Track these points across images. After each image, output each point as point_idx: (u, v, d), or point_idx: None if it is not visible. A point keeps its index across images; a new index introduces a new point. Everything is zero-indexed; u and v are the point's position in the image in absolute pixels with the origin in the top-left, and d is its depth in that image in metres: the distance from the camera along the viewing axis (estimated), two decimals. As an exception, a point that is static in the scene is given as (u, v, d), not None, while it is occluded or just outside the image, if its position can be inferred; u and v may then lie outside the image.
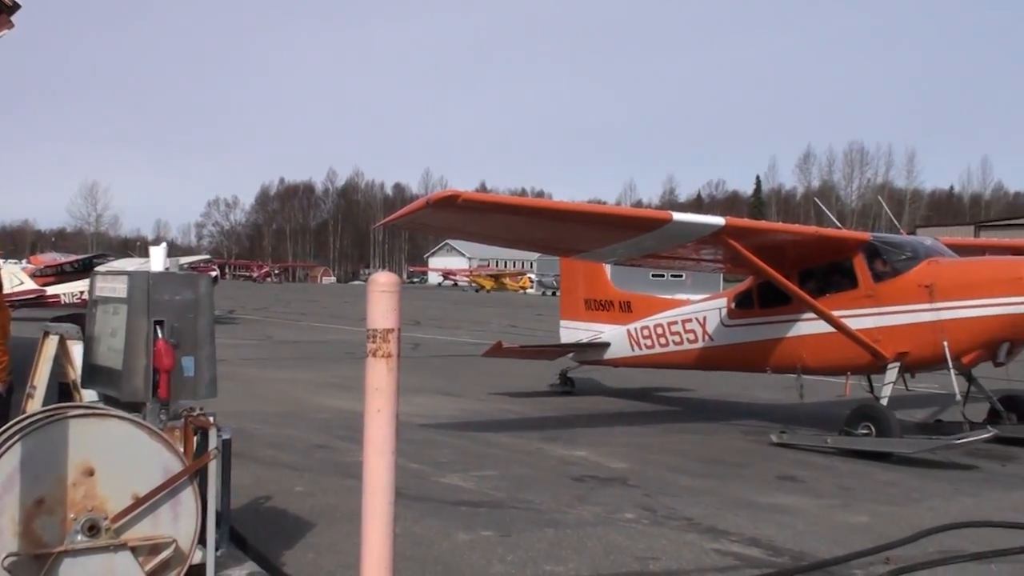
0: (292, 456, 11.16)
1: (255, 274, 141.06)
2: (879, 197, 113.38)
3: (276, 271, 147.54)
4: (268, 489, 9.28)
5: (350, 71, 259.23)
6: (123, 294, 5.99)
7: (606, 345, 17.48)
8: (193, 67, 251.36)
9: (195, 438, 5.83)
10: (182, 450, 5.70)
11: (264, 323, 39.55)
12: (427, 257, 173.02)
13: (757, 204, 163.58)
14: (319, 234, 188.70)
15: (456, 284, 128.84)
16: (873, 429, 12.05)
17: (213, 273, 41.85)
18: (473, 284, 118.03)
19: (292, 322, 41.03)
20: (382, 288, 4.35)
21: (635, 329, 16.83)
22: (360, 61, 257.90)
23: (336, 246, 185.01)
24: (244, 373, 19.89)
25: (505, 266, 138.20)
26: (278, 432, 12.80)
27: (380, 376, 4.33)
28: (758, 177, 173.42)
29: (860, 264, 13.28)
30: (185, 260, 40.62)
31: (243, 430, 12.55)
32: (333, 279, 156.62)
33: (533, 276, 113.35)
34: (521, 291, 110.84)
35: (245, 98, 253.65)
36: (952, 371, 12.15)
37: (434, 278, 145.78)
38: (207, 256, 67.65)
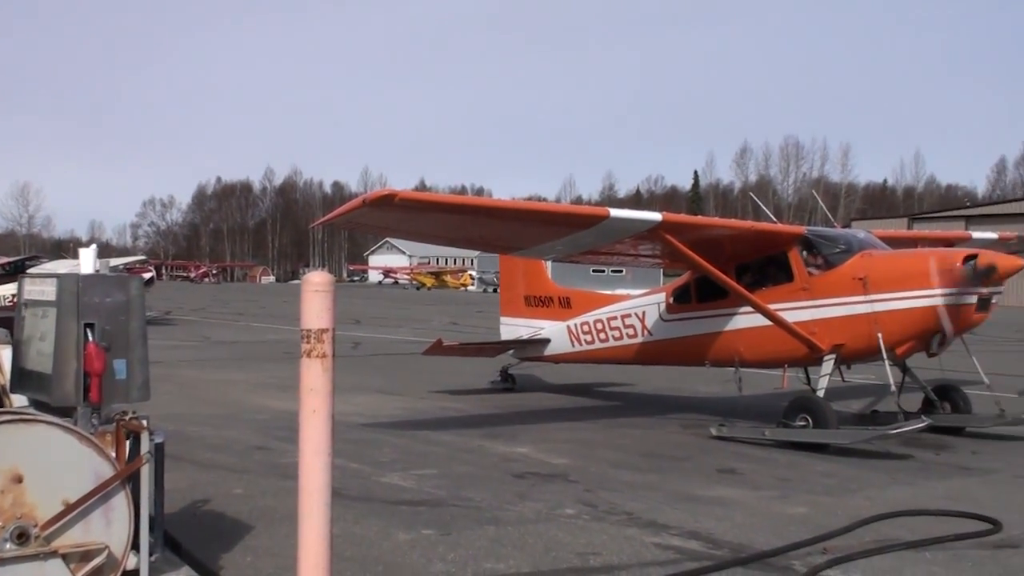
0: (230, 458, 11.03)
1: (193, 274, 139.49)
2: (813, 191, 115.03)
3: (214, 271, 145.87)
4: (206, 492, 9.15)
5: (286, 67, 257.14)
6: (52, 297, 5.87)
7: (546, 341, 17.51)
8: (126, 65, 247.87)
9: (127, 442, 5.73)
10: (114, 455, 5.60)
11: (202, 324, 39.08)
12: (367, 255, 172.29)
13: (695, 199, 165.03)
14: (257, 233, 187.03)
15: (397, 282, 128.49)
16: (810, 421, 12.19)
17: (149, 274, 41.41)
18: (414, 282, 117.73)
19: (230, 322, 40.60)
20: (316, 288, 4.31)
21: (575, 325, 16.88)
22: (297, 57, 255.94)
23: (275, 245, 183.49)
24: (181, 375, 19.63)
25: (446, 263, 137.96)
26: (216, 434, 12.65)
27: (315, 376, 4.30)
28: (696, 172, 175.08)
29: (795, 258, 13.44)
30: (119, 261, 40.05)
31: (180, 432, 12.40)
32: (272, 278, 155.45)
33: (474, 273, 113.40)
34: (462, 288, 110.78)
35: (180, 96, 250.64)
36: (887, 362, 12.33)
37: (374, 276, 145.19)
38: (143, 257, 66.65)
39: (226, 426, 13.32)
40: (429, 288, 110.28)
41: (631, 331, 15.72)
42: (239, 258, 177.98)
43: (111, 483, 5.42)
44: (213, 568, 6.43)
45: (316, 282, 4.33)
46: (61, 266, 30.51)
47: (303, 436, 4.32)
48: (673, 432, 13.63)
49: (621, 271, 79.96)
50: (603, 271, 79.84)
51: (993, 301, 12.41)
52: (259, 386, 18.05)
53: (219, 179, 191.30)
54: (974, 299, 12.08)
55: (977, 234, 17.23)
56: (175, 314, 43.96)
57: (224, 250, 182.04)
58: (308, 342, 4.30)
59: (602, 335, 16.28)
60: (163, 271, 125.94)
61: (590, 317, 16.62)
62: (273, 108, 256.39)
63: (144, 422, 5.71)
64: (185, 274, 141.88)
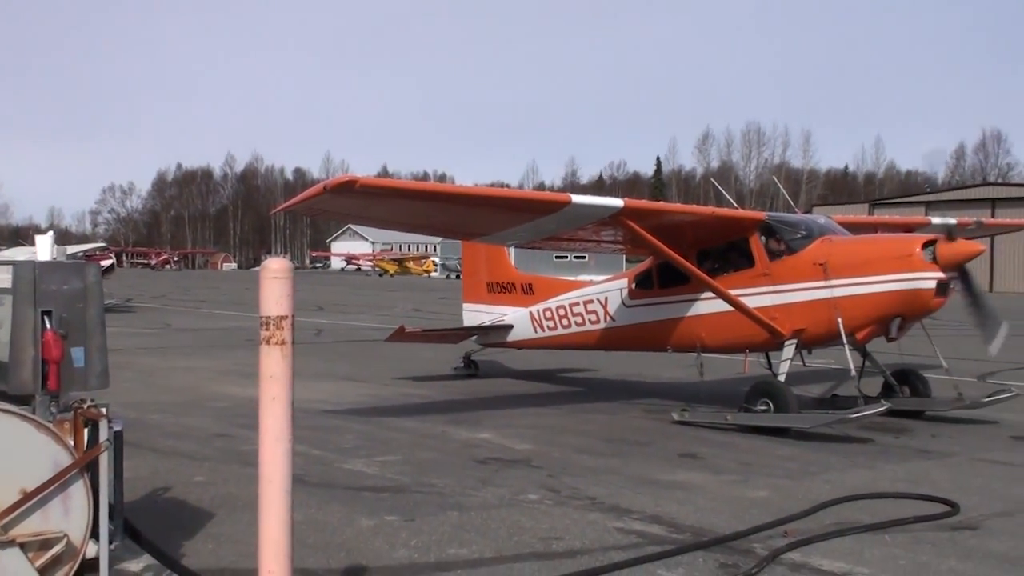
0: (191, 446, 10.95)
1: (153, 261, 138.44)
2: (774, 177, 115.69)
3: (175, 258, 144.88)
4: (167, 480, 9.10)
5: (246, 52, 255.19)
6: (8, 284, 5.79)
7: (509, 328, 17.51)
8: (84, 50, 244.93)
9: (86, 430, 5.67)
10: (72, 443, 5.54)
11: (163, 311, 38.78)
12: (330, 242, 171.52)
13: (658, 185, 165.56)
14: (219, 220, 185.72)
15: (359, 269, 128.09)
16: (771, 405, 12.28)
17: (109, 261, 40.97)
18: (376, 269, 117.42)
19: (191, 310, 40.32)
20: (274, 274, 4.28)
21: (538, 311, 16.89)
22: (256, 41, 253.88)
23: (236, 232, 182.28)
24: (142, 362, 19.49)
25: (409, 250, 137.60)
26: (177, 422, 12.57)
27: (274, 363, 4.27)
28: (659, 158, 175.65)
29: (756, 243, 13.51)
30: (78, 248, 39.62)
31: (141, 420, 12.32)
32: (234, 265, 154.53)
33: (437, 260, 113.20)
34: (425, 275, 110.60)
35: (138, 82, 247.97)
36: (847, 347, 12.43)
37: (337, 263, 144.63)
38: (102, 244, 65.99)
39: (187, 414, 13.23)
40: (392, 275, 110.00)
41: (593, 317, 15.76)
42: (200, 245, 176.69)
43: (69, 471, 5.37)
44: (174, 556, 6.38)
45: (275, 269, 4.30)
46: (19, 253, 30.11)
47: (263, 424, 4.29)
48: (636, 417, 13.68)
49: (584, 257, 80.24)
50: (566, 257, 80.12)
51: (951, 286, 12.53)
52: (221, 373, 17.94)
53: (179, 165, 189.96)
54: (933, 284, 12.18)
55: (936, 220, 17.39)
56: (136, 301, 43.60)
57: (185, 237, 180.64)
58: (267, 329, 4.27)
59: (564, 321, 16.31)
60: (123, 258, 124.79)
61: (552, 303, 16.64)
62: (234, 94, 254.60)
63: (103, 410, 5.65)
64: (146, 261, 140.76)
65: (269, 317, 4.26)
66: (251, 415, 4.78)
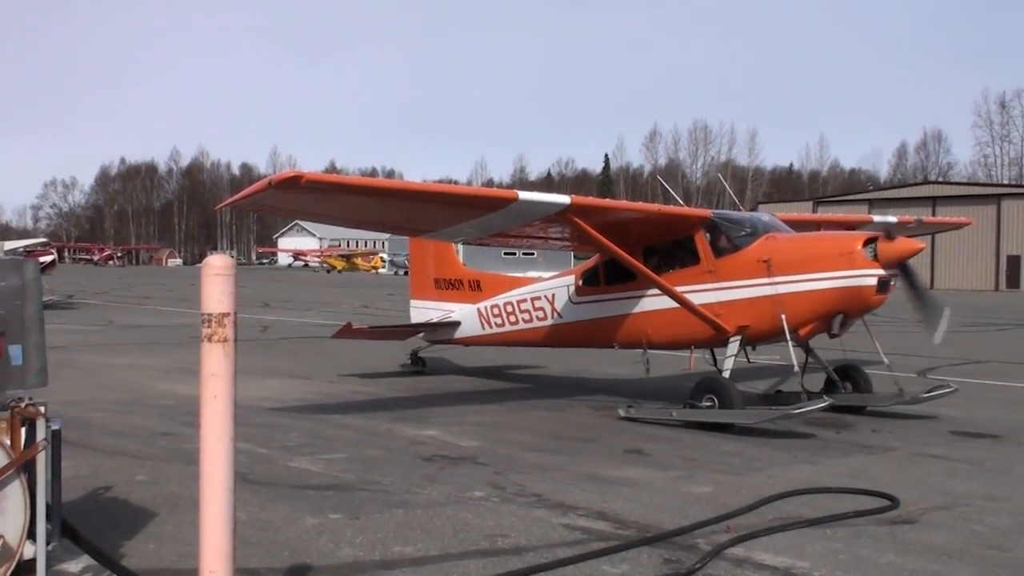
0: (134, 444, 10.82)
1: (96, 257, 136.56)
2: (719, 175, 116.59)
3: (119, 254, 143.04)
4: (108, 479, 8.98)
5: (192, 44, 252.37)
6: (-57, 281, 5.68)
7: (457, 324, 17.49)
8: (25, 41, 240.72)
9: (23, 429, 5.57)
10: (8, 442, 5.45)
11: (106, 308, 38.25)
12: (277, 238, 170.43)
13: (606, 182, 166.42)
14: (163, 215, 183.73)
15: (307, 265, 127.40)
16: (716, 401, 12.36)
17: (50, 257, 40.34)
18: (324, 265, 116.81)
19: (136, 306, 39.81)
20: (216, 271, 4.24)
21: (485, 308, 16.89)
22: (203, 34, 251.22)
23: (182, 227, 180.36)
24: (84, 360, 19.23)
25: (357, 246, 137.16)
26: (119, 420, 12.41)
27: (216, 361, 4.23)
28: (607, 155, 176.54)
29: (701, 240, 13.60)
30: (18, 244, 38.99)
31: (82, 419, 12.15)
32: (179, 261, 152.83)
33: (385, 256, 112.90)
34: (373, 271, 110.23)
35: (81, 75, 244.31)
36: (790, 343, 12.57)
37: (284, 259, 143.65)
38: (43, 239, 64.95)
39: (130, 412, 13.07)
40: (340, 271, 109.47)
41: (541, 314, 15.79)
42: (145, 240, 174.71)
43: (5, 471, 5.28)
44: (114, 556, 6.29)
45: (217, 266, 4.25)
46: (-43, 249, 29.57)
47: (204, 422, 4.25)
48: (582, 414, 13.73)
49: (533, 254, 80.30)
50: (514, 253, 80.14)
51: (892, 283, 12.71)
52: (165, 371, 17.74)
53: (123, 160, 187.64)
54: (874, 281, 12.34)
55: (878, 217, 17.63)
56: (78, 298, 42.97)
57: (129, 232, 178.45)
58: (209, 326, 4.22)
59: (512, 318, 16.32)
60: (65, 254, 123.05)
61: (500, 300, 16.65)
62: (179, 88, 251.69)
63: (41, 409, 5.56)
64: (89, 257, 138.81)
65: (211, 314, 4.22)
66: (195, 413, 4.72)
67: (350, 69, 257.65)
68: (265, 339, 24.86)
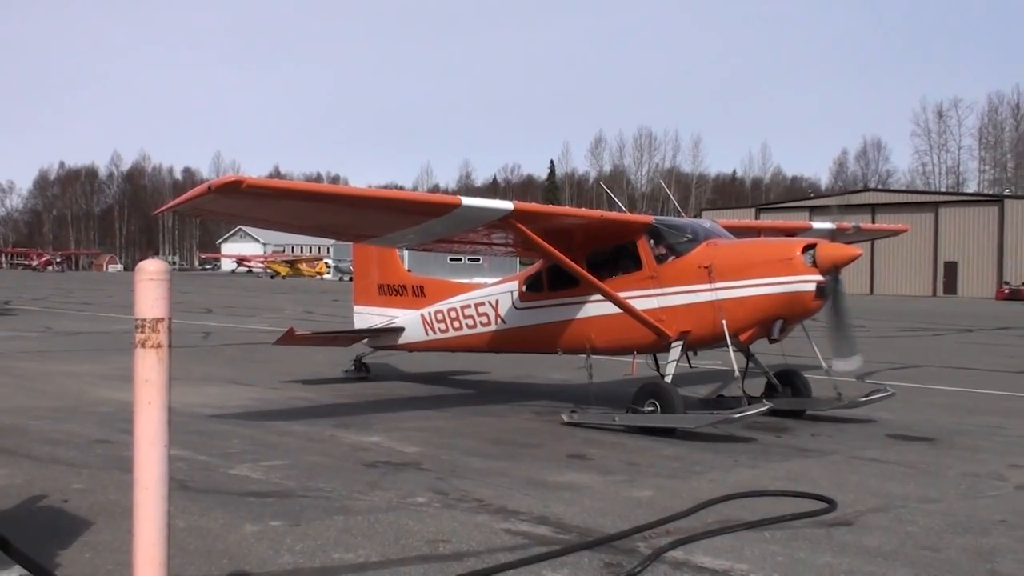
0: (70, 452, 10.65)
1: (35, 263, 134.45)
2: (661, 181, 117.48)
3: (58, 259, 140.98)
4: (44, 488, 8.83)
5: (134, 47, 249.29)
6: None
7: (400, 330, 17.45)
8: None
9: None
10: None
11: (44, 314, 37.66)
12: (220, 243, 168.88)
13: (551, 188, 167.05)
14: (104, 220, 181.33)
15: (251, 271, 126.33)
16: (658, 406, 12.43)
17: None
18: (268, 270, 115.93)
19: (75, 312, 39.23)
20: (150, 276, 4.19)
21: (429, 313, 16.86)
22: (145, 36, 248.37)
23: (122, 232, 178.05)
24: (21, 367, 18.93)
25: (301, 251, 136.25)
26: (56, 428, 12.21)
27: (150, 368, 4.18)
28: (552, 161, 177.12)
29: (643, 246, 13.68)
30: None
31: (18, 426, 11.97)
32: (120, 267, 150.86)
33: (330, 261, 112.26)
34: (318, 277, 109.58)
35: (19, 77, 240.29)
36: (731, 348, 12.68)
37: (227, 265, 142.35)
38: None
39: (67, 419, 12.87)
40: (284, 276, 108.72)
41: (485, 319, 15.80)
42: (85, 246, 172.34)
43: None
44: (48, 567, 6.19)
45: (150, 270, 4.21)
46: None
47: (138, 429, 4.20)
48: (526, 419, 13.75)
49: (478, 259, 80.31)
50: (460, 259, 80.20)
51: (839, 288, 12.87)
52: (103, 378, 17.50)
53: (62, 164, 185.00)
54: (813, 287, 12.50)
55: (817, 224, 17.87)
56: (15, 304, 42.31)
57: (68, 237, 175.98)
58: (142, 332, 4.17)
59: (456, 323, 16.31)
60: (3, 259, 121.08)
61: (444, 305, 16.63)
62: (120, 90, 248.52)
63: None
64: (27, 262, 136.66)
65: (144, 320, 4.17)
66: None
67: (296, 74, 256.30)
68: (207, 345, 24.61)
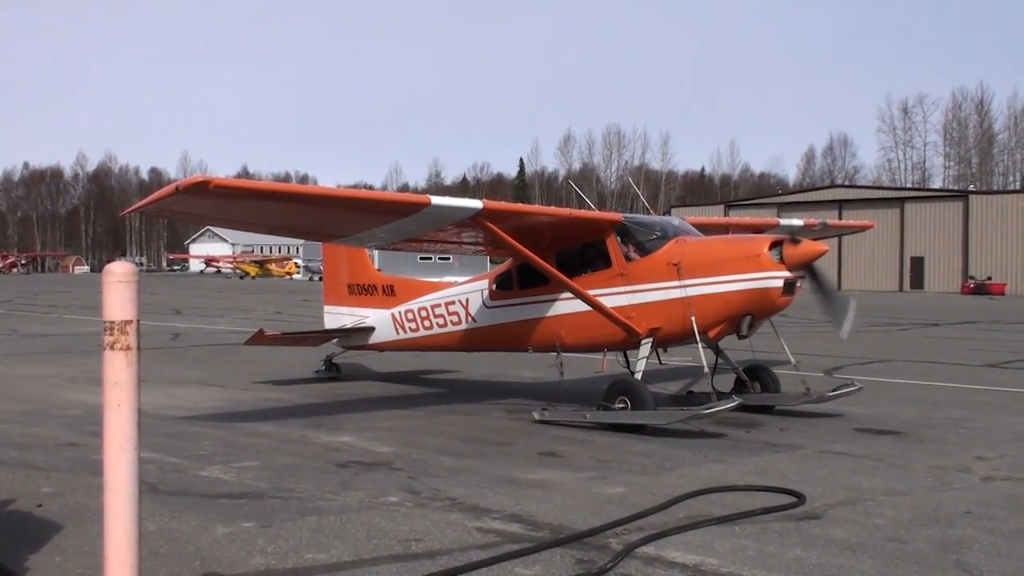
0: (39, 456, 10.58)
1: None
2: (629, 178, 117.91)
3: (23, 261, 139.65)
4: (12, 491, 8.77)
5: (99, 46, 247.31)
6: None
7: (371, 330, 17.42)
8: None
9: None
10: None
11: (9, 316, 37.29)
12: (188, 244, 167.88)
13: (521, 186, 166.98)
14: (70, 221, 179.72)
15: (219, 271, 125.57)
16: (629, 403, 12.47)
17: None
18: (237, 271, 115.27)
19: (41, 314, 38.87)
20: (118, 278, 4.18)
21: (399, 313, 16.84)
22: (110, 35, 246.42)
23: (89, 234, 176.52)
24: (-14, 371, 18.73)
25: (270, 251, 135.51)
26: (23, 431, 12.12)
27: (119, 370, 4.17)
28: (522, 160, 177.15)
29: (612, 244, 13.73)
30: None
31: (-17, 431, 11.85)
32: (86, 268, 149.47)
33: (299, 261, 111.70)
34: (287, 277, 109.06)
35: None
36: (700, 345, 12.76)
37: (196, 265, 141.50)
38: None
39: (35, 423, 12.78)
40: (253, 277, 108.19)
41: (455, 318, 15.80)
42: (50, 247, 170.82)
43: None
44: (16, 570, 6.16)
45: (118, 272, 4.20)
46: None
47: (107, 431, 4.18)
48: (497, 418, 13.77)
49: (448, 258, 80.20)
50: (430, 258, 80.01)
51: (798, 285, 12.98)
52: (71, 380, 17.37)
53: (26, 164, 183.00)
54: (780, 283, 12.59)
55: (784, 221, 18.00)
56: (-20, 307, 41.83)
57: (34, 239, 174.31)
58: (111, 334, 4.16)
59: (426, 323, 16.30)
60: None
61: (414, 305, 16.62)
62: (85, 89, 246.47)
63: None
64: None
65: (113, 322, 4.16)
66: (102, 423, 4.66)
67: (263, 73, 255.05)
68: (176, 347, 24.47)
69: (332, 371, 18.31)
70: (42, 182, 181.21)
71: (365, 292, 18.13)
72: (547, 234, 14.05)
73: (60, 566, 6.63)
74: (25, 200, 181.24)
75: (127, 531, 4.19)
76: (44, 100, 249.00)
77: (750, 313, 12.92)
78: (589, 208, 15.97)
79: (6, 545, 6.88)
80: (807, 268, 12.93)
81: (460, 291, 16.03)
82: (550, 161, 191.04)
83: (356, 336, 17.73)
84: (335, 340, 18.19)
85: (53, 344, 25.30)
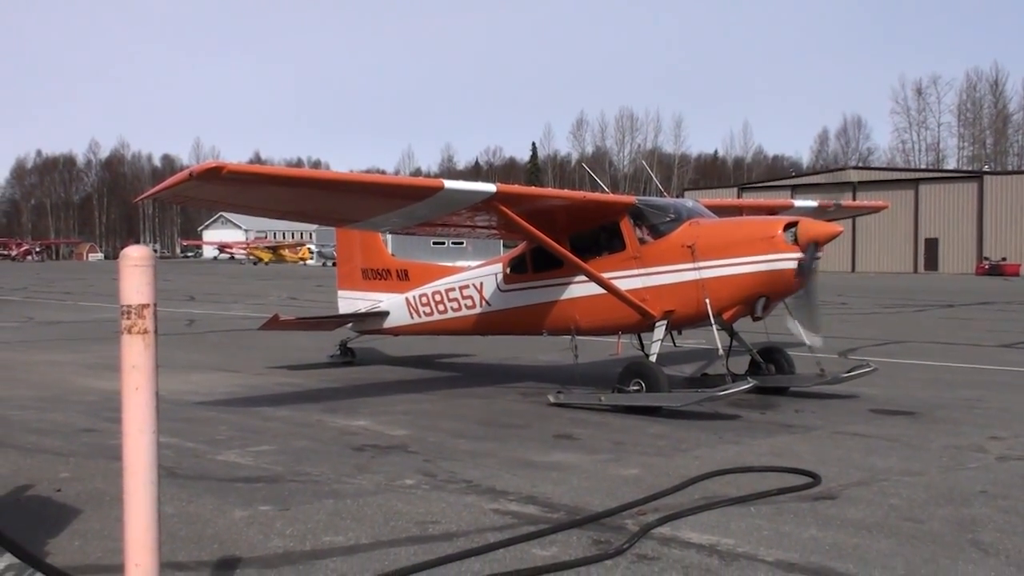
0: (56, 441, 10.64)
1: (14, 252, 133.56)
2: (643, 161, 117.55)
3: (37, 249, 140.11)
4: (31, 477, 8.83)
5: (111, 34, 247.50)
6: None
7: (385, 314, 17.45)
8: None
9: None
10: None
11: (25, 304, 37.47)
12: (201, 230, 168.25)
13: (534, 170, 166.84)
14: (83, 209, 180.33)
15: (233, 257, 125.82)
16: (643, 385, 12.48)
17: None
18: (251, 257, 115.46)
19: (56, 301, 39.05)
20: (135, 262, 4.20)
21: (413, 297, 16.86)
22: (122, 22, 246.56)
23: (102, 221, 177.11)
24: (2, 357, 18.91)
25: (284, 237, 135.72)
26: (41, 417, 12.19)
27: (137, 353, 4.19)
28: (534, 144, 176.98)
29: (626, 227, 13.72)
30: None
31: (1, 417, 11.95)
32: (100, 255, 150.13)
33: (313, 247, 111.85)
34: (301, 262, 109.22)
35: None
36: (714, 327, 12.75)
37: (209, 252, 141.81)
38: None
39: (52, 409, 12.85)
40: (266, 263, 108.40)
41: (469, 302, 15.81)
42: (64, 235, 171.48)
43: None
44: (38, 555, 6.20)
45: (135, 256, 4.22)
46: None
47: (126, 415, 4.21)
48: (512, 401, 13.79)
49: (462, 243, 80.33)
50: (443, 243, 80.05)
51: (814, 266, 12.93)
52: (87, 367, 17.46)
53: (40, 152, 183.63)
54: (794, 264, 12.55)
55: (799, 202, 17.93)
56: (-5, 294, 42.06)
57: (48, 226, 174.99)
58: (128, 318, 4.18)
59: (441, 307, 16.32)
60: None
61: (428, 289, 16.63)
62: (97, 78, 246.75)
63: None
64: (5, 252, 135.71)
65: (130, 306, 4.18)
66: (119, 408, 4.67)
67: (276, 58, 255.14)
68: (191, 332, 24.56)
69: (347, 355, 18.35)
70: (55, 169, 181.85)
71: (379, 277, 18.15)
72: (561, 217, 14.04)
73: (80, 550, 6.68)
74: (38, 188, 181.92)
75: (147, 513, 4.22)
76: (57, 88, 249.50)
77: (764, 295, 12.88)
78: (603, 191, 15.94)
79: (26, 529, 6.93)
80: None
81: (474, 275, 16.04)
82: (563, 145, 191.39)
83: (370, 321, 17.76)
84: (349, 325, 18.23)
85: (69, 331, 25.42)
